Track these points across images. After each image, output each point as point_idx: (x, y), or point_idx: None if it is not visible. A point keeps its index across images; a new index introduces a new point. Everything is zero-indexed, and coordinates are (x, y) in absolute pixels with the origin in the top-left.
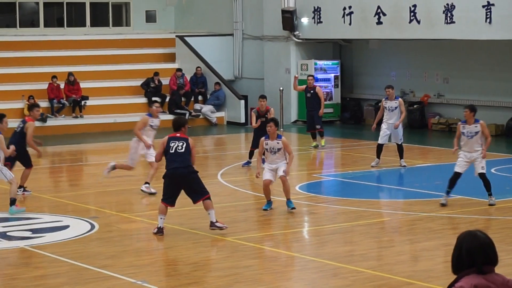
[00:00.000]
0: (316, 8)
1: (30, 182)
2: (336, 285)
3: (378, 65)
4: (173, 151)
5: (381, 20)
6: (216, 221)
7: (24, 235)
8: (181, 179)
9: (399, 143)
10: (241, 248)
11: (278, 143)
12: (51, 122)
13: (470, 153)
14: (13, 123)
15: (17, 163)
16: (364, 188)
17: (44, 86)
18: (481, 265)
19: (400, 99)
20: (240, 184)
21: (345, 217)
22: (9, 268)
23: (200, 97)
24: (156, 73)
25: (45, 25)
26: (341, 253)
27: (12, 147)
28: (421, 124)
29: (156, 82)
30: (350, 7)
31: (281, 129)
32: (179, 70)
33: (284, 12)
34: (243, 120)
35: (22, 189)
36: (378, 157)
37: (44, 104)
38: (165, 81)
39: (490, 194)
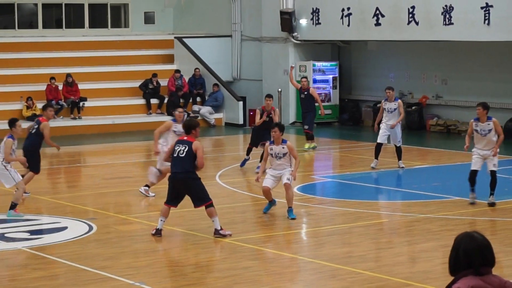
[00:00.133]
0: (314, 9)
1: (28, 183)
2: (334, 287)
3: (376, 66)
4: (175, 155)
5: (379, 21)
6: (221, 229)
7: (22, 237)
8: (181, 184)
9: (398, 145)
10: (240, 249)
11: (283, 148)
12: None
13: (483, 151)
14: None
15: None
16: (362, 190)
17: (42, 87)
18: (478, 266)
19: (399, 100)
20: (239, 185)
21: (343, 218)
22: (8, 269)
23: (198, 99)
24: (155, 75)
25: (44, 27)
26: (339, 255)
27: (22, 159)
28: (419, 125)
29: (155, 83)
30: (348, 9)
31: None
32: (177, 71)
33: (282, 13)
34: (241, 122)
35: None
36: (376, 157)
37: (42, 105)
38: (163, 82)
39: (492, 194)
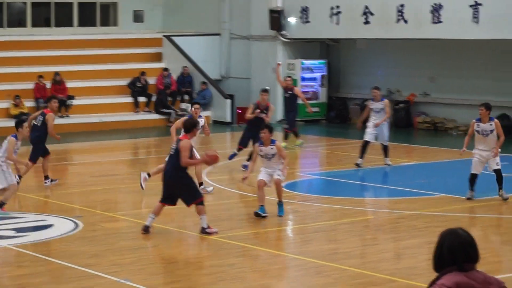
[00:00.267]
0: (303, 7)
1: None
2: (319, 283)
3: (365, 64)
4: (170, 152)
5: (368, 19)
6: (208, 227)
7: (8, 234)
8: (169, 183)
9: (385, 144)
10: (225, 246)
11: (272, 148)
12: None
13: (485, 152)
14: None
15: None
16: (349, 187)
17: (30, 85)
18: (462, 263)
19: (386, 100)
20: (225, 182)
21: (329, 215)
22: None
23: (186, 97)
24: (143, 73)
25: (33, 25)
26: (324, 251)
27: (24, 162)
28: (406, 123)
29: (143, 81)
30: (337, 7)
31: None
32: (165, 69)
33: (271, 12)
34: (229, 120)
35: (49, 180)
36: (361, 156)
37: (30, 103)
38: (151, 80)
39: (500, 188)
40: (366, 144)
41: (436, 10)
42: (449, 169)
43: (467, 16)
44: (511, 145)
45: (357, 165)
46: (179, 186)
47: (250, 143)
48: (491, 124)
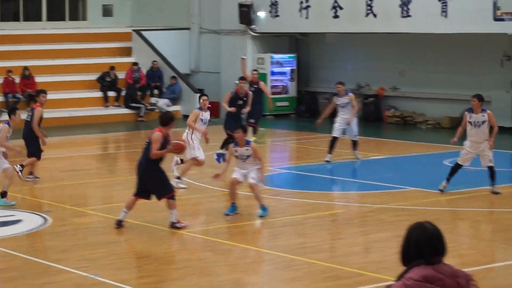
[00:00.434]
0: (273, 2)
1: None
2: (289, 277)
3: (334, 58)
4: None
5: (337, 13)
6: (177, 222)
7: None
8: (142, 175)
9: (355, 139)
10: (195, 240)
11: (247, 149)
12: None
13: (477, 144)
14: None
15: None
16: (318, 181)
17: None
18: (429, 256)
19: (350, 94)
20: (194, 177)
21: (298, 209)
22: None
23: (156, 91)
24: (112, 67)
25: (1, 20)
26: (293, 245)
27: (17, 148)
28: (376, 117)
29: (112, 76)
30: (307, 1)
31: None
32: (135, 64)
33: (241, 6)
34: None
35: (32, 176)
36: (330, 152)
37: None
38: (121, 75)
39: (493, 184)
40: (334, 139)
41: (405, 4)
42: (418, 163)
43: (436, 10)
44: None
45: (327, 161)
46: (151, 179)
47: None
48: (483, 115)
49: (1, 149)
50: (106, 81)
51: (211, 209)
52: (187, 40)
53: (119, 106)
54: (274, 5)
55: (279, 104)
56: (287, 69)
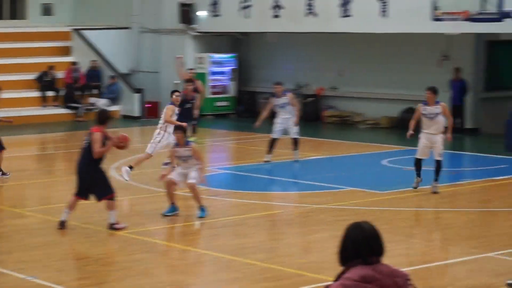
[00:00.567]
0: (213, 1)
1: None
2: (228, 278)
3: (274, 58)
4: (82, 145)
5: (278, 13)
6: (116, 223)
7: None
8: (82, 175)
9: (295, 136)
10: (134, 241)
11: (187, 150)
12: None
13: (431, 135)
14: None
15: None
16: (257, 181)
17: None
18: (366, 256)
19: (289, 93)
20: (134, 178)
21: (237, 209)
22: None
23: (95, 91)
24: (51, 67)
25: None
26: (232, 246)
27: None
28: (315, 116)
29: (51, 75)
30: (247, 0)
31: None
32: (74, 63)
33: (181, 5)
34: (138, 114)
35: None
36: (270, 152)
37: None
38: (60, 74)
39: (435, 179)
40: (274, 140)
41: (344, 4)
42: (357, 163)
43: (375, 10)
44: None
45: (266, 161)
46: (92, 180)
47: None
48: (437, 107)
49: None
50: (45, 81)
51: (151, 210)
52: (127, 39)
53: (57, 106)
54: (214, 4)
55: (218, 104)
56: (227, 69)
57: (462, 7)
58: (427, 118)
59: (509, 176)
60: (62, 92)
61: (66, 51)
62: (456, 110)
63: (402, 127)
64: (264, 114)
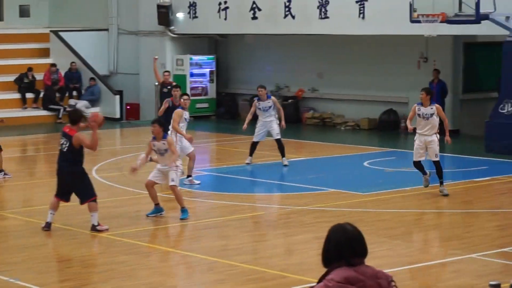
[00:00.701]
0: (191, 3)
1: None
2: (211, 280)
3: (254, 60)
4: (60, 148)
5: (256, 15)
6: (98, 224)
7: None
8: (67, 179)
9: (277, 137)
10: (116, 243)
11: (164, 143)
12: None
13: (424, 136)
14: None
15: None
16: (239, 183)
17: None
18: (349, 257)
19: (272, 97)
20: (115, 179)
21: (220, 211)
22: None
23: (74, 93)
24: (30, 69)
25: None
26: (215, 248)
27: None
28: (295, 118)
29: (30, 77)
30: (225, 2)
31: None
32: (53, 65)
33: (159, 7)
34: (118, 116)
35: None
36: (251, 154)
37: None
38: (39, 76)
39: (441, 183)
40: (255, 144)
41: (323, 6)
42: (338, 164)
43: (353, 12)
44: (396, 140)
45: (247, 163)
46: (75, 183)
47: None
48: (432, 108)
49: None
50: (24, 83)
51: (133, 211)
52: (106, 41)
53: (37, 108)
54: (192, 6)
55: (198, 105)
56: (207, 70)
57: (440, 9)
58: (421, 119)
59: (489, 178)
60: (41, 94)
61: (44, 53)
62: None
63: (383, 129)
64: (249, 117)
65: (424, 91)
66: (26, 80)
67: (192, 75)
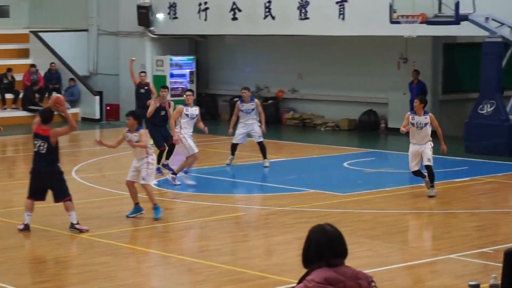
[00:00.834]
0: (171, 3)
1: None
2: (191, 281)
3: (234, 61)
4: (36, 149)
5: (236, 16)
6: (77, 223)
7: None
8: (44, 180)
9: (260, 140)
10: (96, 244)
11: (136, 135)
12: None
13: (419, 145)
14: None
15: None
16: (219, 183)
17: None
18: (329, 258)
19: (256, 100)
20: (95, 180)
21: (199, 212)
22: None
23: (54, 93)
24: (9, 69)
25: None
26: (195, 248)
27: None
28: (275, 119)
29: (9, 78)
30: (205, 3)
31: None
32: (33, 66)
33: (139, 7)
34: (98, 116)
35: None
36: (233, 154)
37: None
38: (18, 77)
39: (432, 186)
40: (234, 145)
41: (303, 6)
42: (318, 165)
43: (333, 12)
44: (376, 141)
45: (227, 164)
46: (52, 182)
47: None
48: (425, 118)
49: None
50: (3, 83)
51: (112, 212)
52: (85, 41)
53: (16, 108)
54: (172, 6)
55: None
56: (187, 71)
57: (419, 10)
58: (415, 128)
59: (469, 178)
60: (21, 95)
61: (24, 53)
62: None
63: (363, 129)
64: (234, 119)
65: (418, 99)
66: (5, 81)
67: (172, 75)
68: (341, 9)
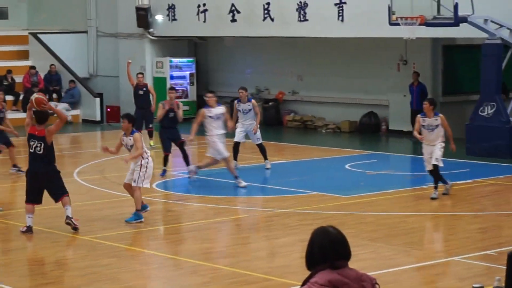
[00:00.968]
0: (170, 5)
1: None
2: (194, 283)
3: (233, 62)
4: (32, 150)
5: (235, 17)
6: (72, 217)
7: None
8: (42, 180)
9: (258, 142)
10: (99, 246)
11: (130, 139)
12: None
13: (430, 147)
14: None
15: None
16: (222, 185)
17: None
18: (333, 260)
19: (253, 100)
20: (96, 182)
21: (202, 214)
22: None
23: (54, 95)
24: (9, 71)
25: None
26: (199, 251)
27: None
28: (276, 121)
29: (9, 80)
30: (204, 5)
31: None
32: (32, 67)
33: (138, 9)
34: (98, 118)
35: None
36: (235, 158)
37: None
38: (18, 79)
39: (435, 187)
40: (236, 145)
41: (302, 8)
42: (320, 167)
43: (332, 14)
44: (377, 143)
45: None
46: (50, 181)
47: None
48: (436, 119)
49: None
50: (4, 85)
51: (115, 214)
52: (85, 43)
53: (17, 110)
54: (171, 8)
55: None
56: (187, 73)
57: (418, 12)
58: (426, 130)
59: (471, 180)
60: (21, 97)
61: (24, 55)
62: (416, 114)
63: (364, 131)
64: (234, 118)
65: (427, 101)
66: (5, 83)
67: (172, 77)
68: (340, 11)
